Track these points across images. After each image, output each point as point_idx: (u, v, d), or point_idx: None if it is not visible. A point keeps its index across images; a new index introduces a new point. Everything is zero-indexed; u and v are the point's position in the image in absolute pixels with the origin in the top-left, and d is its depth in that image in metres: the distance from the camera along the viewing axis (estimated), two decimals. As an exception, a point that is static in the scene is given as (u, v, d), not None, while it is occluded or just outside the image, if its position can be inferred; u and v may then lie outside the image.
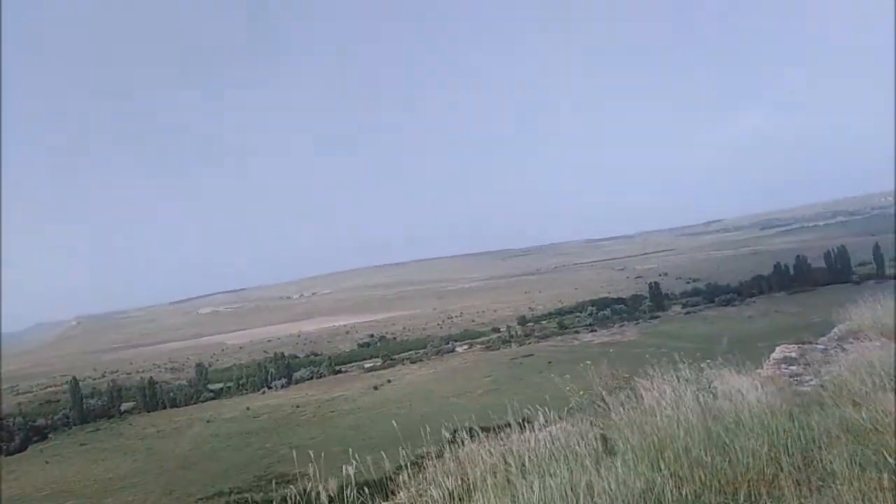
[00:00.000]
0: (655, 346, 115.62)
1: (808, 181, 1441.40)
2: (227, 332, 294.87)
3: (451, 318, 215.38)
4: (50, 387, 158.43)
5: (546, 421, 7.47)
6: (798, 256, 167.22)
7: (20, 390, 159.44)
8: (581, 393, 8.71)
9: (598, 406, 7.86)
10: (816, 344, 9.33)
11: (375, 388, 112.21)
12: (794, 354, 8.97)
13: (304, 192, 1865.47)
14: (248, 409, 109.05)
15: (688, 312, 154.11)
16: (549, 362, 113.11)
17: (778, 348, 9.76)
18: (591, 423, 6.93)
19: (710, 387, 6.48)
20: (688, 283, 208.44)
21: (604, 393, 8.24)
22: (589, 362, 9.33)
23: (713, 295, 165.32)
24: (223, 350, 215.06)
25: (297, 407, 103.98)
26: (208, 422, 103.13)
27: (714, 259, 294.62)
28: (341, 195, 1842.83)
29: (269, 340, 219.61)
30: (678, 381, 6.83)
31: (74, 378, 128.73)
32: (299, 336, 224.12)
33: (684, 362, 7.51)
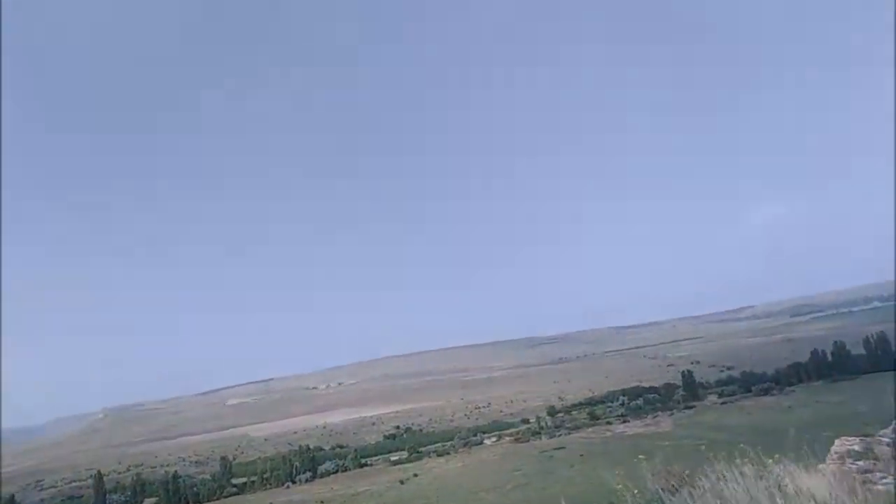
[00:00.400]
0: (694, 438, 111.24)
1: (838, 266, 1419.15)
2: (252, 423, 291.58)
3: (479, 408, 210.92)
4: (74, 482, 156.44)
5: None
6: (835, 342, 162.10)
7: (45, 485, 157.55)
8: (636, 492, 8.36)
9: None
10: (881, 437, 8.88)
11: (402, 482, 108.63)
12: (857, 448, 8.55)
13: (326, 281, 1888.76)
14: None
15: (724, 402, 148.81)
16: (582, 455, 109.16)
17: (838, 441, 9.34)
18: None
19: (781, 486, 6.19)
20: (721, 371, 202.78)
21: (661, 492, 7.93)
22: (642, 456, 9.05)
23: (749, 384, 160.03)
24: (248, 442, 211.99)
25: (321, 502, 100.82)
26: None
27: (747, 346, 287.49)
28: (363, 284, 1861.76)
29: (294, 432, 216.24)
30: (744, 478, 6.55)
31: (99, 472, 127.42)
32: (325, 427, 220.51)
33: (747, 457, 7.22)
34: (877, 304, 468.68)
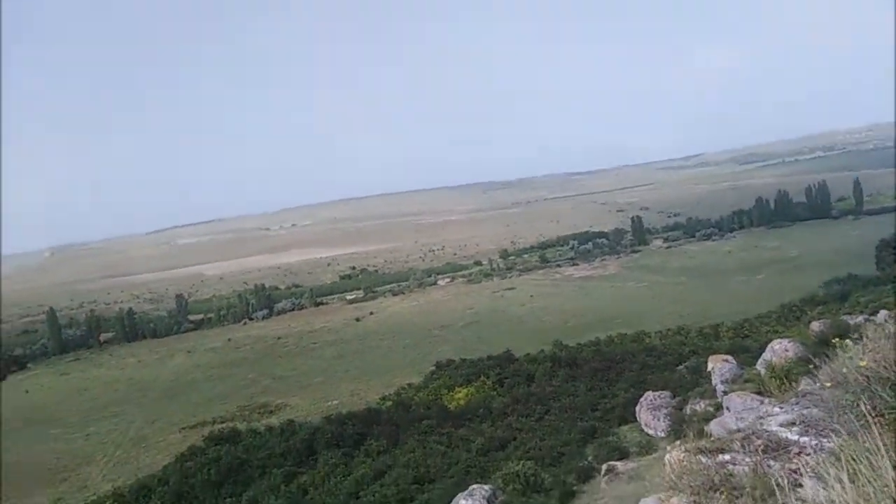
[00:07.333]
0: (636, 280, 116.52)
1: (785, 115, 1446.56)
2: (205, 263, 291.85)
3: (433, 251, 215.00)
4: (26, 317, 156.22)
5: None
6: (779, 191, 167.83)
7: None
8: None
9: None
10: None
11: (358, 319, 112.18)
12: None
13: (278, 122, 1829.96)
14: (229, 339, 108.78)
15: (669, 247, 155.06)
16: (532, 296, 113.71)
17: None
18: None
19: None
20: (669, 217, 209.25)
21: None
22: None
23: (694, 229, 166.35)
24: (202, 281, 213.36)
25: (279, 338, 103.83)
26: (189, 352, 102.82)
27: (695, 193, 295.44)
28: (315, 125, 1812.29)
29: (248, 272, 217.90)
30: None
31: (51, 308, 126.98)
32: (279, 268, 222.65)
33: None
34: (819, 153, 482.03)
